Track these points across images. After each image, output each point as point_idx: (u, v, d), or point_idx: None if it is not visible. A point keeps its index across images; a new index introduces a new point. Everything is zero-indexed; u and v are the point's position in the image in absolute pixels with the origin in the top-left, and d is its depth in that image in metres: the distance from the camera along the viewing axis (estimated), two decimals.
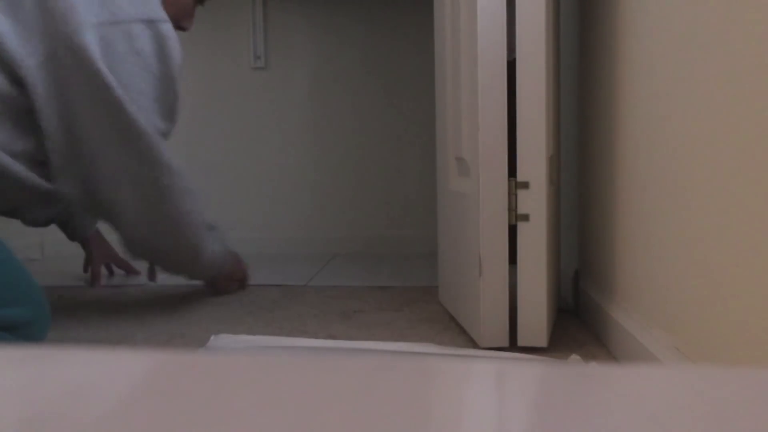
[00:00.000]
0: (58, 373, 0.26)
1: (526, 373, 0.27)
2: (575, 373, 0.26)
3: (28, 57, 1.05)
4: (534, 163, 0.99)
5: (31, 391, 0.24)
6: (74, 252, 1.74)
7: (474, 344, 1.04)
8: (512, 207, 1.00)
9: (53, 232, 1.72)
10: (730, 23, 0.62)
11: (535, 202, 0.99)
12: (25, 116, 1.09)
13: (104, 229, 1.65)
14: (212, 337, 1.07)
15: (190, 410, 0.22)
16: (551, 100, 1.06)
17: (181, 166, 1.20)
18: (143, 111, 1.12)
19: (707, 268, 0.68)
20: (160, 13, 1.15)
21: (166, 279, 1.64)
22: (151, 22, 1.12)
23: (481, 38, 0.98)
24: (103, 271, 1.65)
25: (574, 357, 0.95)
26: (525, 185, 0.99)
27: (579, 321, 1.19)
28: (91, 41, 1.06)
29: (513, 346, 1.01)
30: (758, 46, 0.57)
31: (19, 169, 1.09)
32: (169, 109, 1.17)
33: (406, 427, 0.21)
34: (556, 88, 1.19)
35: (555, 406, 0.23)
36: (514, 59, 0.98)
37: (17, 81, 1.06)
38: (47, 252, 2.03)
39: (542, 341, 1.00)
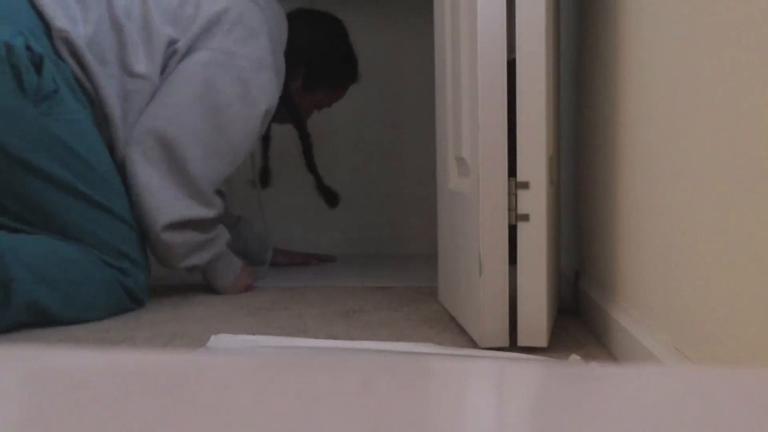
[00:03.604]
0: (58, 373, 0.26)
1: (526, 373, 0.27)
2: (575, 373, 0.26)
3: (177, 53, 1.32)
4: (534, 163, 0.99)
5: (31, 391, 0.24)
6: None
7: (474, 344, 1.04)
8: (512, 207, 1.00)
9: None
10: (731, 22, 0.62)
11: (535, 202, 0.99)
12: None
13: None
14: (212, 337, 1.07)
15: (190, 410, 0.22)
16: (551, 100, 1.06)
17: (221, 205, 1.39)
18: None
19: (708, 268, 0.68)
20: (271, 62, 1.37)
21: (164, 279, 1.63)
22: (260, 63, 1.35)
23: (481, 38, 0.98)
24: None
25: (574, 357, 0.95)
26: (525, 185, 0.99)
27: (579, 321, 1.19)
28: (203, 54, 1.32)
29: (513, 346, 1.01)
30: (760, 44, 0.57)
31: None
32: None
33: (406, 427, 0.21)
34: (556, 88, 1.19)
35: (555, 406, 0.23)
36: (514, 59, 0.98)
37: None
38: None
39: (542, 341, 1.00)
